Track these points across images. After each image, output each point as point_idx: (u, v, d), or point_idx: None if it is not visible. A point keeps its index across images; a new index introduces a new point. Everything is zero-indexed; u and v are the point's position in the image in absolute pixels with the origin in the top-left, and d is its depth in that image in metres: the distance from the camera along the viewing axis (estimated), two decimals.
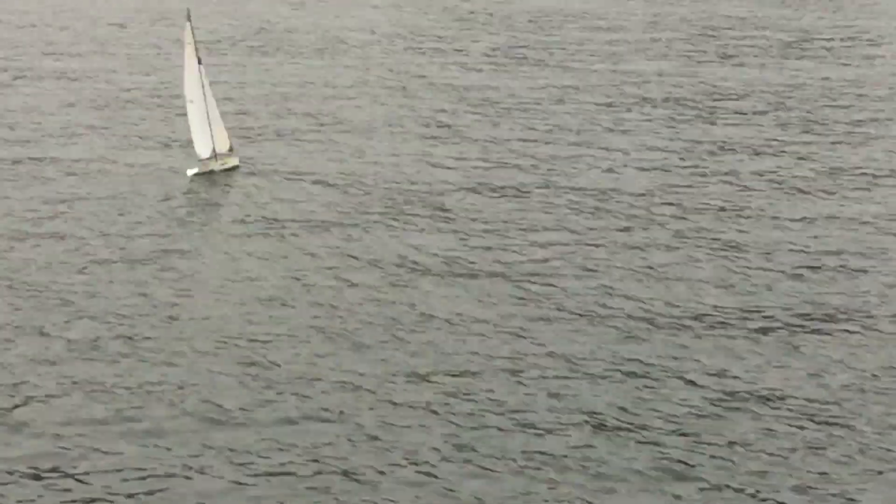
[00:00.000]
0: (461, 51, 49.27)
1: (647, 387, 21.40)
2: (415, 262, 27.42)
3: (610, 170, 33.98)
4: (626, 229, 29.26)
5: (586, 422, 20.19)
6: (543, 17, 56.21)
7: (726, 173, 33.57)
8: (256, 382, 21.73)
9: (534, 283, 26.15)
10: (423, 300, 25.25)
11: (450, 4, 60.13)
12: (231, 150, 34.71)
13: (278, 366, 22.41)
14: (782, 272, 26.52)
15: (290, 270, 27.15)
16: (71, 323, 24.37)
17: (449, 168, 34.39)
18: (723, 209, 30.71)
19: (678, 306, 24.76)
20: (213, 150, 34.31)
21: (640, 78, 44.06)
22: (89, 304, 25.30)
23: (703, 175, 33.51)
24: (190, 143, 34.83)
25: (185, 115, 35.23)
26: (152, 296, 25.74)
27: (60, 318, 24.60)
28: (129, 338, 23.64)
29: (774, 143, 36.36)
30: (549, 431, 19.93)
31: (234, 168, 34.52)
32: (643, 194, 31.86)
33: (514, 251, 28.00)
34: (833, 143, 36.23)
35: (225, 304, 25.32)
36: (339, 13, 57.55)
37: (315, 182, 33.42)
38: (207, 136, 34.26)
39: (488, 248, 28.19)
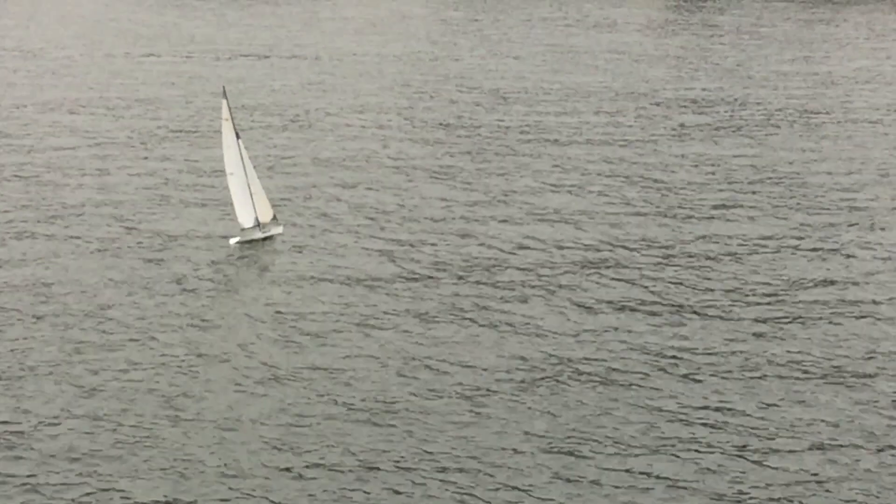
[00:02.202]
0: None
1: None
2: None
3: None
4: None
5: None
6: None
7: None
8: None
9: None
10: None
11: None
12: (274, 218, 37.24)
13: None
14: None
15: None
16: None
17: (500, 237, 37.44)
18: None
19: None
20: (256, 219, 36.79)
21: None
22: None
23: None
24: (233, 212, 37.25)
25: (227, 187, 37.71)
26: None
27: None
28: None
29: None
30: None
31: (278, 235, 37.07)
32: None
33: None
34: None
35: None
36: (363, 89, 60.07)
37: (358, 249, 36.27)
38: (249, 206, 36.74)
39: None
